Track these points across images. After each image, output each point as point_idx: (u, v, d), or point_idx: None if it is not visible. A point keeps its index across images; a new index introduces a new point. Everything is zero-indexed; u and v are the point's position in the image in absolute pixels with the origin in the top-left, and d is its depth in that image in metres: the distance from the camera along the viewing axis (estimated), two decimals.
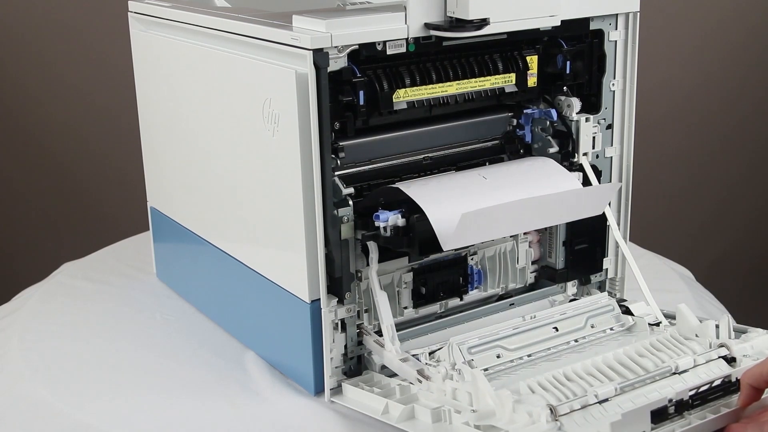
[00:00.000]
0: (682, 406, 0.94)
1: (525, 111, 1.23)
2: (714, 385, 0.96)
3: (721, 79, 2.37)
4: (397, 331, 1.10)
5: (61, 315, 1.39)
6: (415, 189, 1.08)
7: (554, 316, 1.16)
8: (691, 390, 0.94)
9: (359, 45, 1.04)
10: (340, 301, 1.10)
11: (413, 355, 1.08)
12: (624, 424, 0.89)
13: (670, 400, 0.93)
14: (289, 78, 1.03)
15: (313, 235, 1.06)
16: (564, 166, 1.19)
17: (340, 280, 1.09)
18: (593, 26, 1.20)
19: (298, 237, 1.08)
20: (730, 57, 2.36)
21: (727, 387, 0.97)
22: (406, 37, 1.06)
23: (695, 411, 0.94)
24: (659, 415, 0.92)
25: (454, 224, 1.00)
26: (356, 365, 1.14)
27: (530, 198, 1.07)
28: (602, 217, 1.22)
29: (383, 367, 1.12)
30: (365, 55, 1.05)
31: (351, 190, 1.09)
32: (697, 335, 1.09)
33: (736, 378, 0.97)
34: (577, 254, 1.28)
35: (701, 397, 0.95)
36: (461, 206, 1.02)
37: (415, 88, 1.11)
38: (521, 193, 1.09)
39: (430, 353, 1.10)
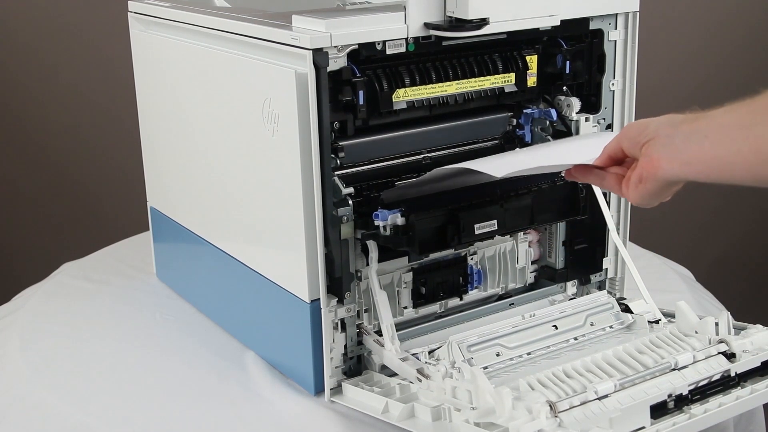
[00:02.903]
0: (681, 401, 0.94)
1: (525, 111, 1.23)
2: (713, 380, 0.97)
3: (721, 79, 2.37)
4: (397, 330, 1.10)
5: (61, 315, 1.39)
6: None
7: (553, 314, 1.16)
8: (690, 385, 0.95)
9: (359, 45, 1.04)
10: (340, 301, 1.10)
11: (413, 354, 1.08)
12: (623, 419, 0.89)
13: (670, 395, 0.93)
14: (288, 78, 1.03)
15: (312, 235, 1.06)
16: None
17: (339, 280, 1.09)
18: (593, 26, 1.20)
19: (298, 237, 1.08)
20: (730, 57, 2.36)
21: (727, 382, 0.97)
22: (406, 36, 1.06)
23: (695, 406, 0.94)
24: (659, 410, 0.92)
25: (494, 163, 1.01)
26: (356, 365, 1.14)
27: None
28: (602, 217, 1.22)
29: (383, 366, 1.12)
30: (365, 55, 1.05)
31: (351, 189, 1.09)
32: (696, 332, 1.09)
33: (736, 373, 0.97)
34: (576, 254, 1.28)
35: (701, 392, 0.96)
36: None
37: (414, 87, 1.11)
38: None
39: (429, 352, 1.10)
